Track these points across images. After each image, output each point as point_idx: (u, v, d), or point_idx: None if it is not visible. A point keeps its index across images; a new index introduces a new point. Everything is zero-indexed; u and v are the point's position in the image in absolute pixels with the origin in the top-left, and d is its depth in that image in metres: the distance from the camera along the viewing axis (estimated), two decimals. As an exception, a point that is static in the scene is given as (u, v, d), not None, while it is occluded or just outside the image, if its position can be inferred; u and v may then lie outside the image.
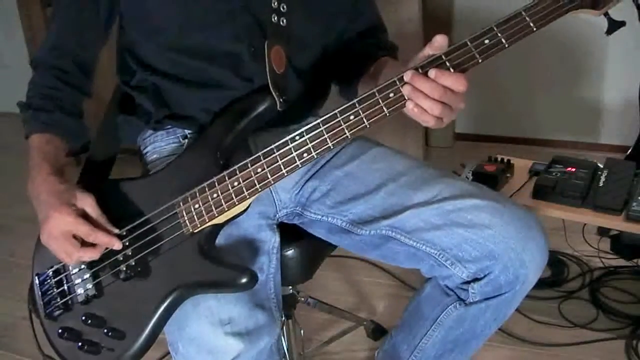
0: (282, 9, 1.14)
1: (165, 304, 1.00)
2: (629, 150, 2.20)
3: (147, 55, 1.19)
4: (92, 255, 1.03)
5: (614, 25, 0.96)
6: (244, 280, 1.00)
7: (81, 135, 1.16)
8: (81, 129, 1.16)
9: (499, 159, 1.82)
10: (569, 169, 1.72)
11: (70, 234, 1.01)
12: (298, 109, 1.23)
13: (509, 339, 1.82)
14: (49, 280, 1.09)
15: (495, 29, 0.94)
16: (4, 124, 3.24)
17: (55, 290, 1.08)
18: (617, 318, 1.87)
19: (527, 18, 0.93)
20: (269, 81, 1.11)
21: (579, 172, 1.70)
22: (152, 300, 1.01)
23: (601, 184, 1.65)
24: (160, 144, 1.25)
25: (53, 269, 1.10)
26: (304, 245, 1.27)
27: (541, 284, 1.84)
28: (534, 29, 0.93)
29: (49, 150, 1.09)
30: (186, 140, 1.23)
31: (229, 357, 1.01)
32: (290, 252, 1.25)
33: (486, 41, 0.94)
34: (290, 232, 1.25)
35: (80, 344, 1.03)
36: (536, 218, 1.12)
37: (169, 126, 1.24)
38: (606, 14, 0.96)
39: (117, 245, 1.03)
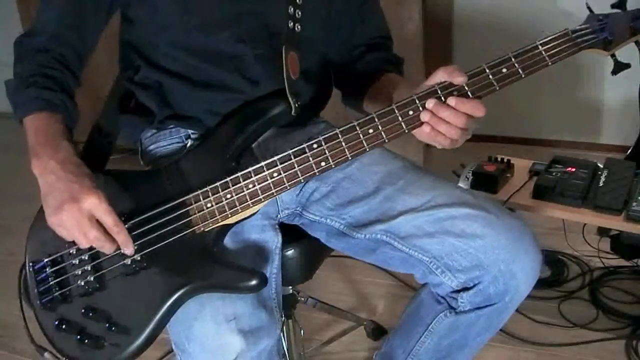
0: (297, 15, 1.15)
1: (170, 301, 1.00)
2: (629, 150, 2.20)
3: (153, 52, 1.18)
4: (109, 246, 0.98)
5: (620, 67, 1.04)
6: (253, 282, 1.00)
7: (76, 121, 1.11)
8: (77, 114, 1.11)
9: (499, 159, 1.82)
10: (569, 169, 1.72)
11: (94, 217, 0.97)
12: (303, 111, 1.23)
13: (509, 339, 1.82)
14: (46, 269, 1.05)
15: (513, 59, 0.99)
16: (4, 124, 3.24)
17: (52, 279, 1.05)
18: (617, 318, 1.87)
19: (543, 52, 0.99)
20: (286, 87, 1.11)
21: (579, 172, 1.70)
22: (156, 296, 1.00)
23: (601, 184, 1.65)
24: (163, 144, 1.24)
25: (51, 258, 1.06)
26: (304, 246, 1.27)
27: (541, 284, 1.85)
28: (550, 63, 0.99)
29: (62, 130, 1.04)
30: (189, 141, 1.22)
31: (231, 356, 1.01)
32: (290, 252, 1.25)
33: (504, 70, 0.99)
34: (290, 232, 1.25)
35: (79, 336, 1.01)
36: (529, 230, 1.12)
37: (172, 126, 1.23)
38: (613, 55, 1.04)
39: (129, 250, 1.00)
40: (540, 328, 1.87)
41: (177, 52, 1.16)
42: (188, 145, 1.22)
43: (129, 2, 1.16)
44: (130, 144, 1.31)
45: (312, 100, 1.27)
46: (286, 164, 1.02)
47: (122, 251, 1.01)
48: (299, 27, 1.15)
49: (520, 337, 1.83)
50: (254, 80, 1.16)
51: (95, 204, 0.96)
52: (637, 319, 1.84)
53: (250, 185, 1.03)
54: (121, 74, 1.27)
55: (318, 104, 1.32)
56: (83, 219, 0.96)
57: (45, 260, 1.06)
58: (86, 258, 1.04)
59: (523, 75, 1.00)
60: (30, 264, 1.08)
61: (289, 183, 1.03)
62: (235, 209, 1.04)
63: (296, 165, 1.02)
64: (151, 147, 1.26)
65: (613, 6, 1.05)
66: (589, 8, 1.06)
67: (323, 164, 1.02)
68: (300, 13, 1.16)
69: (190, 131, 1.23)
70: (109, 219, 0.97)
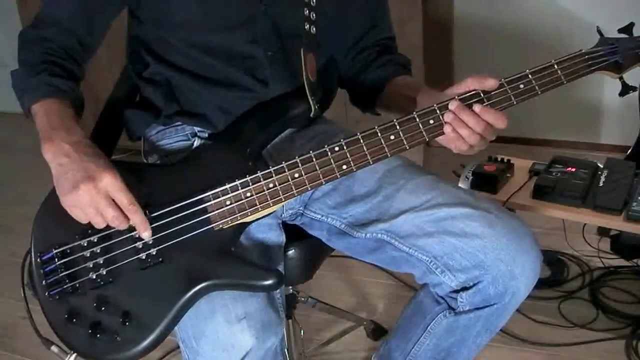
0: (312, 17, 1.17)
1: (186, 298, 0.99)
2: (629, 150, 2.20)
3: (164, 49, 1.18)
4: (123, 224, 0.97)
5: (627, 89, 1.10)
6: (270, 281, 1.00)
7: (82, 110, 1.10)
8: (84, 103, 1.10)
9: (499, 159, 1.82)
10: (569, 169, 1.72)
11: (110, 196, 0.96)
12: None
13: (509, 339, 1.83)
14: (54, 260, 1.02)
15: (530, 75, 1.03)
16: (4, 124, 3.23)
17: (62, 271, 1.02)
18: (617, 318, 1.87)
19: (558, 71, 1.04)
20: (307, 88, 1.13)
21: (579, 172, 1.70)
22: (172, 292, 1.00)
23: (601, 184, 1.65)
24: (169, 141, 1.24)
25: (60, 249, 1.03)
26: (304, 246, 1.27)
27: (541, 284, 1.84)
28: (565, 82, 1.04)
29: (73, 114, 1.03)
30: (196, 139, 1.22)
31: (241, 354, 1.02)
32: (290, 252, 1.25)
33: (521, 85, 1.04)
34: (290, 232, 1.25)
35: (91, 330, 0.99)
36: (530, 230, 1.12)
37: (179, 123, 1.23)
38: (621, 78, 1.09)
39: (146, 233, 0.99)
40: (540, 328, 1.87)
41: (191, 49, 1.15)
42: (195, 143, 1.22)
43: (139, 1, 1.15)
44: (131, 144, 1.30)
45: (322, 100, 1.27)
46: (308, 165, 1.03)
47: (138, 234, 0.99)
48: (314, 29, 1.17)
49: (520, 337, 1.83)
50: (263, 80, 1.17)
51: (112, 183, 0.95)
52: (637, 319, 1.84)
53: (271, 185, 1.03)
54: (128, 68, 1.26)
55: (325, 105, 1.33)
56: (100, 197, 0.95)
57: (54, 251, 1.03)
58: (98, 251, 1.02)
59: (539, 92, 1.03)
60: (38, 254, 1.05)
61: (311, 184, 1.04)
62: (255, 207, 1.04)
63: (318, 167, 1.03)
64: (157, 144, 1.26)
65: (620, 31, 1.08)
66: (599, 32, 1.09)
67: (344, 167, 1.03)
68: (314, 15, 1.17)
69: (197, 129, 1.22)
70: (124, 198, 0.96)
